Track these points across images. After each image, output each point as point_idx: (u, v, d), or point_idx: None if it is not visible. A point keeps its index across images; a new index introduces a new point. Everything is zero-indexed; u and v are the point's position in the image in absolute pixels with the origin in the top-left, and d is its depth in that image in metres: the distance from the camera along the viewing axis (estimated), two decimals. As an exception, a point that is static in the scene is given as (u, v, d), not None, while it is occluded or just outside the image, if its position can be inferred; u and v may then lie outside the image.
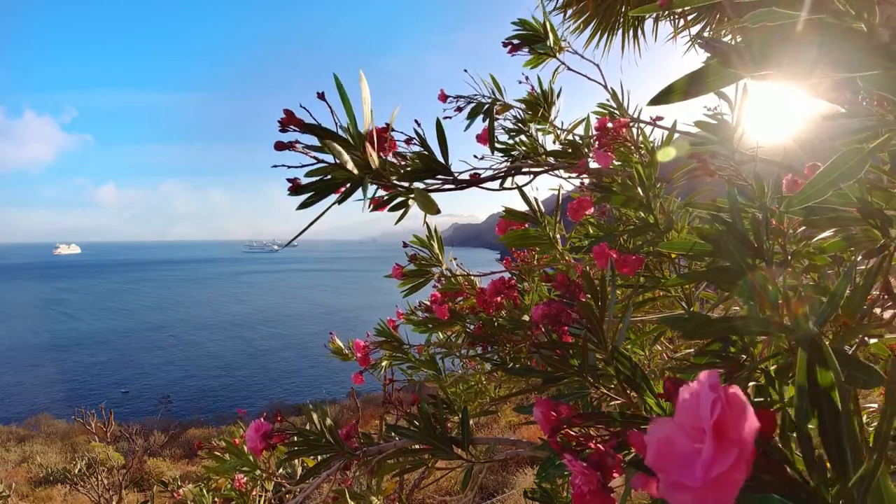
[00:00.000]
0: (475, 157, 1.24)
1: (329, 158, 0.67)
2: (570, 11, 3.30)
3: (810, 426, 0.31)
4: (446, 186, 0.84)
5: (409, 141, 0.83)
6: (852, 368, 0.36)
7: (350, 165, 0.65)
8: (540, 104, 1.76)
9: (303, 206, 0.68)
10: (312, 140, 0.67)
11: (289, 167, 0.68)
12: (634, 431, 0.32)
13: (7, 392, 24.48)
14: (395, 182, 0.74)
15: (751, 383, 0.51)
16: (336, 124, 0.68)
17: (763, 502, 0.30)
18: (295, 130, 0.66)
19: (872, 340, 0.69)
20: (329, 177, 0.68)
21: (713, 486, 0.26)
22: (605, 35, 3.40)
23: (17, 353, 32.15)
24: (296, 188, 0.67)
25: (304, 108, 0.65)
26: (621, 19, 3.36)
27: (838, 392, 0.31)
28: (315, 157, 0.66)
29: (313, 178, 0.68)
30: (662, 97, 0.51)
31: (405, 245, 1.66)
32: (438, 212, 0.70)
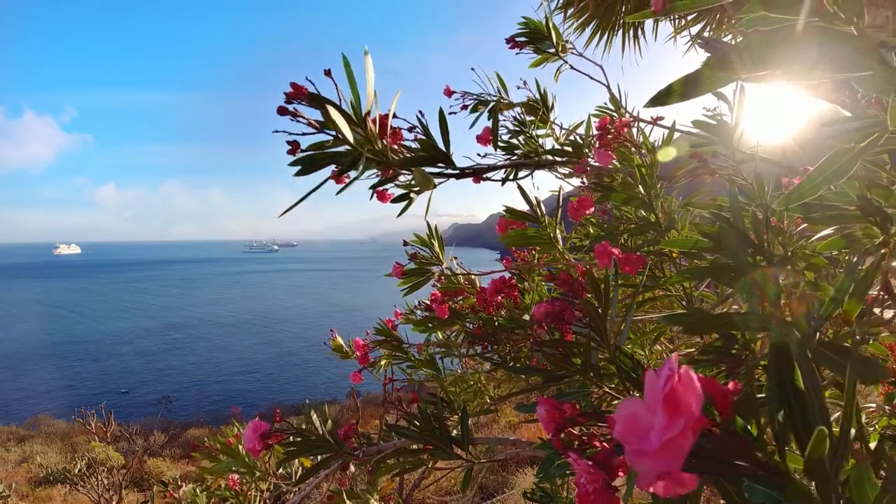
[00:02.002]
0: (478, 154, 1.24)
1: (332, 134, 0.67)
2: (570, 11, 3.31)
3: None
4: (447, 172, 0.84)
5: (411, 129, 0.83)
6: (853, 363, 0.36)
7: (349, 135, 0.66)
8: (538, 107, 1.76)
9: (301, 172, 0.69)
10: (317, 115, 0.68)
11: (291, 133, 0.69)
12: (611, 414, 0.35)
13: (25, 393, 24.36)
14: (392, 161, 0.75)
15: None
16: (340, 100, 0.69)
17: (748, 491, 0.32)
18: (300, 104, 0.67)
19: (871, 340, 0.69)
20: (329, 150, 0.69)
21: (664, 449, 0.30)
22: (606, 35, 3.40)
23: (31, 353, 32.04)
24: (295, 151, 0.68)
25: (310, 80, 0.67)
26: (621, 20, 3.37)
27: (804, 383, 0.34)
28: (317, 128, 0.67)
29: (311, 152, 0.69)
30: (660, 99, 0.51)
31: (405, 243, 1.66)
32: (434, 186, 0.72)
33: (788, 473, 0.32)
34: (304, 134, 0.70)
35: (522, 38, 1.80)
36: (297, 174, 0.70)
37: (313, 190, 0.70)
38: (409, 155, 0.81)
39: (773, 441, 0.35)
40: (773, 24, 0.42)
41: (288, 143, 0.69)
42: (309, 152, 0.70)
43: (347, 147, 0.69)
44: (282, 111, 0.66)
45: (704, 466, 0.32)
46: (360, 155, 0.69)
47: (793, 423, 0.34)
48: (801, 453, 0.33)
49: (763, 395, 0.50)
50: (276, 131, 0.69)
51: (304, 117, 0.67)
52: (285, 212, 0.71)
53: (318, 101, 0.66)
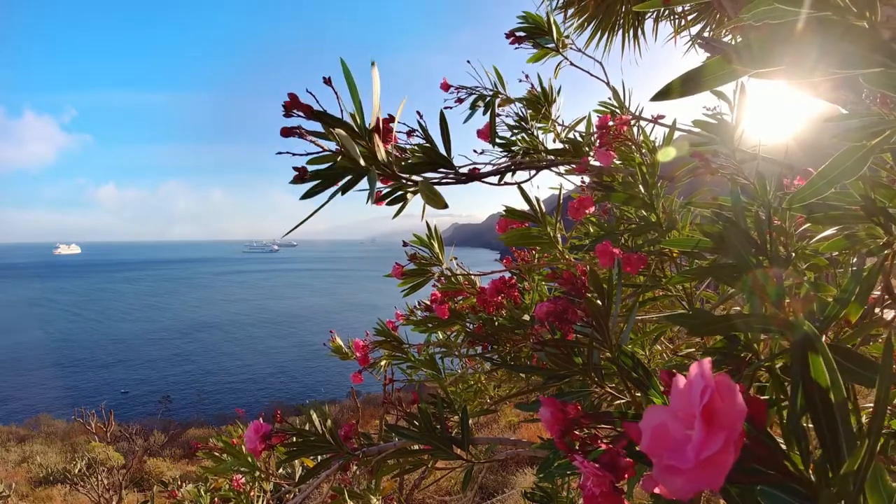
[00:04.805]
0: (475, 151, 1.23)
1: (332, 146, 0.66)
2: (570, 11, 3.30)
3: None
4: (448, 180, 0.83)
5: (410, 133, 0.82)
6: (856, 365, 0.36)
7: (358, 157, 0.64)
8: (541, 102, 1.76)
9: (307, 195, 0.67)
10: (317, 127, 0.67)
11: (294, 154, 0.67)
12: (631, 423, 0.33)
13: (34, 393, 24.07)
14: (398, 174, 0.73)
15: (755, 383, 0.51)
16: (341, 111, 0.67)
17: (765, 497, 0.30)
18: (299, 116, 0.65)
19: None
20: (333, 165, 0.67)
21: (703, 467, 0.27)
22: (606, 35, 3.40)
23: (41, 354, 31.67)
24: (302, 176, 0.66)
25: (311, 93, 0.65)
26: (621, 19, 3.36)
27: (831, 384, 0.32)
28: (321, 147, 0.66)
29: (318, 167, 0.67)
30: (662, 94, 0.51)
31: (405, 244, 1.65)
32: (445, 206, 0.70)
33: (819, 487, 0.31)
34: (307, 153, 0.68)
35: (522, 33, 1.80)
36: (304, 197, 0.68)
37: (321, 206, 0.68)
38: (408, 159, 0.80)
39: (795, 445, 0.33)
40: (782, 17, 0.40)
41: (295, 169, 0.66)
42: (314, 169, 0.68)
43: (354, 164, 0.67)
44: (285, 133, 0.64)
45: (729, 475, 0.30)
46: (369, 171, 0.67)
47: (818, 428, 0.32)
48: (827, 459, 0.31)
49: (766, 396, 0.49)
50: (280, 153, 0.67)
51: (309, 137, 0.65)
52: (294, 227, 0.69)
53: (323, 120, 0.64)
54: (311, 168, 0.68)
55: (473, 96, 1.74)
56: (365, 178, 0.68)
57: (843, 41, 0.39)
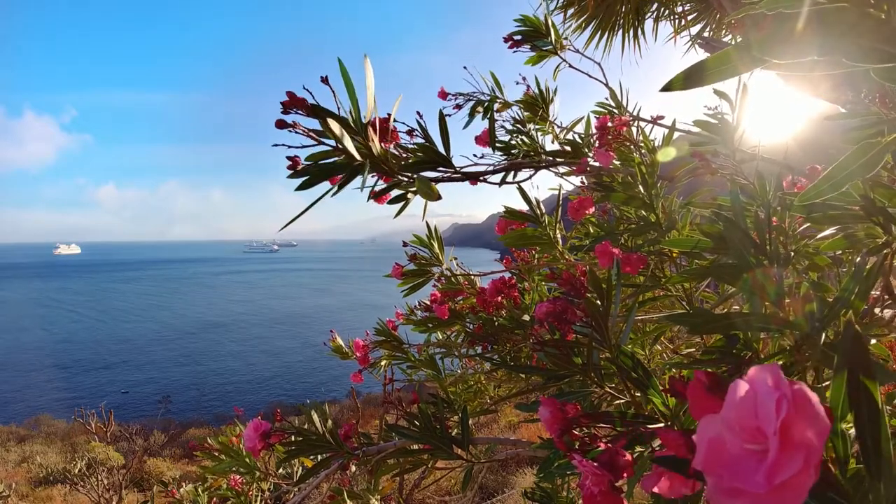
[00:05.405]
0: (475, 155, 1.23)
1: (331, 143, 0.66)
2: (570, 11, 3.30)
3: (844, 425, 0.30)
4: (447, 177, 0.83)
5: (410, 133, 0.83)
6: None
7: (351, 149, 0.65)
8: (538, 105, 1.76)
9: (302, 187, 0.68)
10: (315, 124, 0.67)
11: (289, 147, 0.67)
12: (667, 429, 0.31)
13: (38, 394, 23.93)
14: (395, 170, 0.73)
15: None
16: (338, 108, 0.67)
17: None
18: (297, 113, 0.65)
19: (873, 341, 0.69)
20: (330, 160, 0.68)
21: (778, 492, 0.24)
22: (606, 35, 3.40)
23: (49, 354, 31.43)
24: (296, 167, 0.67)
25: (308, 90, 0.65)
26: (621, 20, 3.36)
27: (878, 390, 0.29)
28: (316, 139, 0.66)
29: (313, 163, 0.68)
30: (667, 87, 0.51)
31: (405, 244, 1.65)
32: (439, 198, 0.70)
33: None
34: (303, 146, 0.69)
35: (519, 37, 1.80)
36: (299, 189, 0.68)
37: (316, 201, 0.69)
38: (409, 159, 0.80)
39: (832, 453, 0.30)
40: (797, 6, 0.39)
41: (288, 158, 0.67)
42: (308, 164, 0.69)
43: (349, 157, 0.67)
44: (280, 125, 0.64)
45: None
46: (363, 166, 0.68)
47: (860, 433, 0.28)
48: (867, 466, 0.28)
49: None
50: (276, 145, 0.67)
51: (303, 129, 0.66)
52: (289, 223, 0.70)
53: (318, 113, 0.65)
54: (306, 162, 0.68)
55: (472, 102, 1.74)
56: (364, 181, 0.68)
57: (850, 35, 0.38)
